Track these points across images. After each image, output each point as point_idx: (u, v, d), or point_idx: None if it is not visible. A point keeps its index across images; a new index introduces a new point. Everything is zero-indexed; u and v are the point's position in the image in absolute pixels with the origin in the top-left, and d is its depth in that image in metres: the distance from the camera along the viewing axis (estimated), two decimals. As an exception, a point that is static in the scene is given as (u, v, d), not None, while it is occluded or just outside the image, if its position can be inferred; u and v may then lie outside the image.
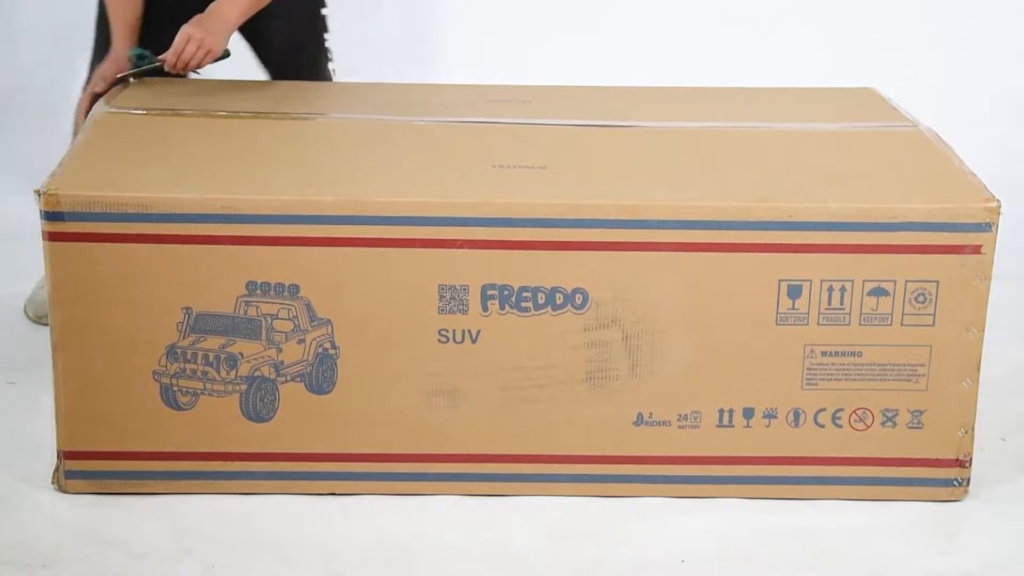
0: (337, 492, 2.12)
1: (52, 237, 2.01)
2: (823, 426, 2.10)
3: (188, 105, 2.34)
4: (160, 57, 2.45)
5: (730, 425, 2.10)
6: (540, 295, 2.04)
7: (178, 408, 2.08)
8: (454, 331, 2.05)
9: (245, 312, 2.05)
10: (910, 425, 2.11)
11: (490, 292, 2.04)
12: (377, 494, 2.12)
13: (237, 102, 2.37)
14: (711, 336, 2.06)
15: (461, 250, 2.02)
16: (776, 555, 2.01)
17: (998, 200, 2.03)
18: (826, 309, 2.05)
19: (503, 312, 2.05)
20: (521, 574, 1.96)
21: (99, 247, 2.01)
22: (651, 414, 2.10)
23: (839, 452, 2.11)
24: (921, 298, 2.05)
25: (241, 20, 2.49)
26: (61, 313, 2.04)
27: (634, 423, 2.10)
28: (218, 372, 2.06)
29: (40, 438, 2.21)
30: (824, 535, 2.06)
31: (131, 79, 2.46)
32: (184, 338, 2.05)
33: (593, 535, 2.05)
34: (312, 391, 2.08)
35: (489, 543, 2.03)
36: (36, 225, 2.02)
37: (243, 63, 3.33)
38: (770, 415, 2.10)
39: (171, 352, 2.05)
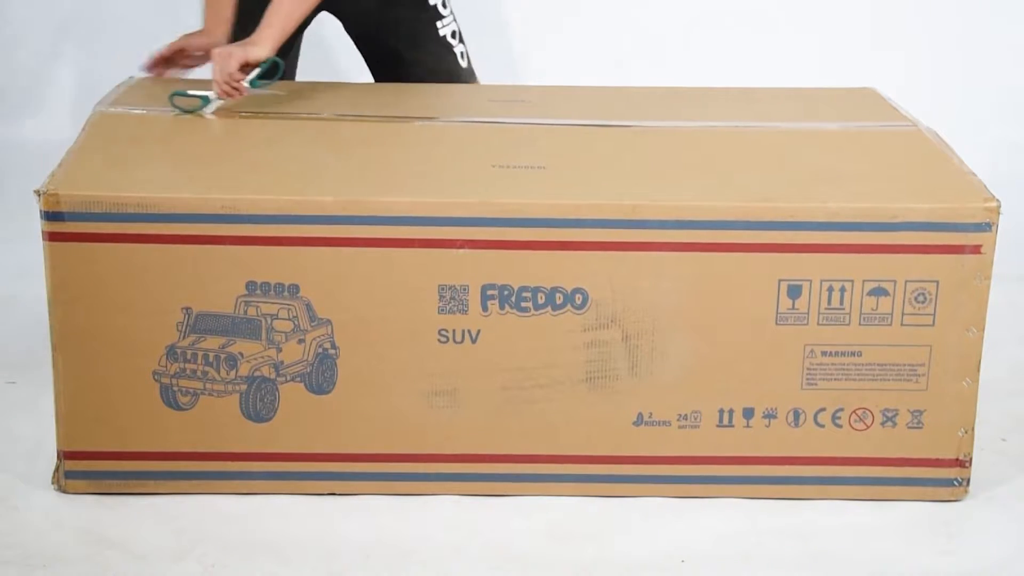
0: (337, 492, 2.12)
1: (52, 237, 2.01)
2: (823, 426, 2.10)
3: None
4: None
5: (730, 425, 2.10)
6: (540, 295, 2.04)
7: (178, 408, 2.08)
8: (454, 331, 2.05)
9: (245, 312, 2.05)
10: (910, 425, 2.11)
11: (490, 292, 2.04)
12: (377, 494, 2.12)
13: (237, 102, 2.36)
14: (711, 336, 2.06)
15: (461, 250, 2.02)
16: (776, 555, 2.01)
17: (998, 200, 2.03)
18: (826, 309, 2.05)
19: (503, 312, 2.05)
20: (521, 574, 1.96)
21: (99, 247, 2.01)
22: (651, 414, 2.10)
23: (839, 452, 2.11)
24: (921, 298, 2.05)
25: (286, 24, 2.36)
26: (61, 313, 2.04)
27: (634, 423, 2.10)
28: (218, 372, 2.06)
29: (40, 438, 2.21)
30: (824, 535, 2.06)
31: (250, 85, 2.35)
32: (184, 338, 2.05)
33: (593, 535, 2.05)
34: (312, 391, 2.08)
35: (489, 543, 2.03)
36: (36, 225, 2.02)
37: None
38: (770, 415, 2.10)
39: (171, 352, 2.05)
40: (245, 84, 2.30)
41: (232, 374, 2.06)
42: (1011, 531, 2.08)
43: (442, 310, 2.04)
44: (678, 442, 2.11)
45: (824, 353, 2.07)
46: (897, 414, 2.10)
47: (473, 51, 2.73)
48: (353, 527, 2.05)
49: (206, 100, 2.30)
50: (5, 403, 2.40)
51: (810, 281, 2.04)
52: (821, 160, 2.19)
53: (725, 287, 2.04)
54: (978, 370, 2.08)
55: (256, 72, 2.33)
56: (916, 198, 2.05)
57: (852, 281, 2.04)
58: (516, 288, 2.04)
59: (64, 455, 2.10)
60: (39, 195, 2.00)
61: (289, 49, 2.54)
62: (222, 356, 2.06)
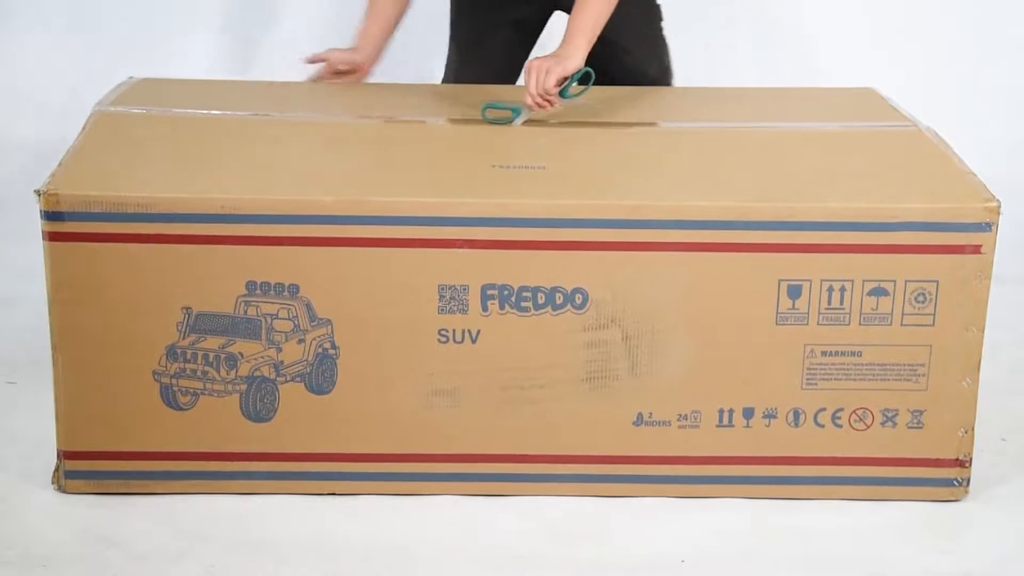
0: (337, 492, 2.12)
1: (52, 237, 2.01)
2: (823, 426, 2.10)
3: (188, 105, 2.34)
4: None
5: (730, 425, 2.10)
6: (540, 295, 2.04)
7: (178, 408, 2.08)
8: (454, 331, 2.05)
9: (245, 312, 2.05)
10: (910, 425, 2.11)
11: (490, 292, 2.04)
12: (377, 494, 2.12)
13: (238, 102, 2.37)
14: (711, 336, 2.06)
15: (461, 250, 2.02)
16: (776, 555, 2.01)
17: (998, 200, 2.03)
18: (826, 309, 2.05)
19: (503, 312, 2.05)
20: (521, 574, 1.96)
21: (99, 247, 2.01)
22: (651, 414, 2.10)
23: (839, 452, 2.11)
24: (921, 298, 2.05)
25: (594, 33, 2.35)
26: (61, 313, 2.04)
27: (634, 423, 2.10)
28: (218, 372, 2.06)
29: (40, 438, 2.21)
30: (824, 535, 2.06)
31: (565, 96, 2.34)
32: (184, 338, 2.05)
33: (593, 535, 2.05)
34: (312, 391, 2.08)
35: (489, 543, 2.03)
36: (36, 225, 2.02)
37: (240, 63, 3.34)
38: (770, 415, 2.10)
39: (171, 352, 2.05)
40: (558, 96, 2.32)
41: (232, 374, 2.07)
42: (1011, 531, 2.08)
43: (442, 310, 2.04)
44: (678, 442, 2.10)
45: (824, 353, 2.07)
46: (897, 414, 2.10)
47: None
48: (353, 527, 2.05)
49: (517, 111, 2.30)
50: (5, 403, 2.40)
51: (810, 281, 2.04)
52: (821, 160, 2.19)
53: (725, 287, 2.04)
54: (978, 370, 2.08)
55: (569, 83, 2.32)
56: (916, 198, 2.05)
57: (852, 281, 2.04)
58: (516, 288, 2.04)
59: (64, 455, 2.10)
60: (39, 195, 2.00)
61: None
62: (222, 356, 2.06)
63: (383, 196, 2.03)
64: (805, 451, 2.11)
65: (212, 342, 2.06)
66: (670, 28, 2.71)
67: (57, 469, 2.12)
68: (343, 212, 2.01)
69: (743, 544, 2.04)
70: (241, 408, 2.08)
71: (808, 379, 2.08)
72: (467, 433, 2.10)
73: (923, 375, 2.08)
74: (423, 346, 2.06)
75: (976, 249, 2.03)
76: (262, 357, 2.07)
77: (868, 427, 2.11)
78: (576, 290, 2.04)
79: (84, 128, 2.22)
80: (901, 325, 2.06)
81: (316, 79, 2.55)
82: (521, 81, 2.48)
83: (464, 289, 2.04)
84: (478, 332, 2.05)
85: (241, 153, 2.18)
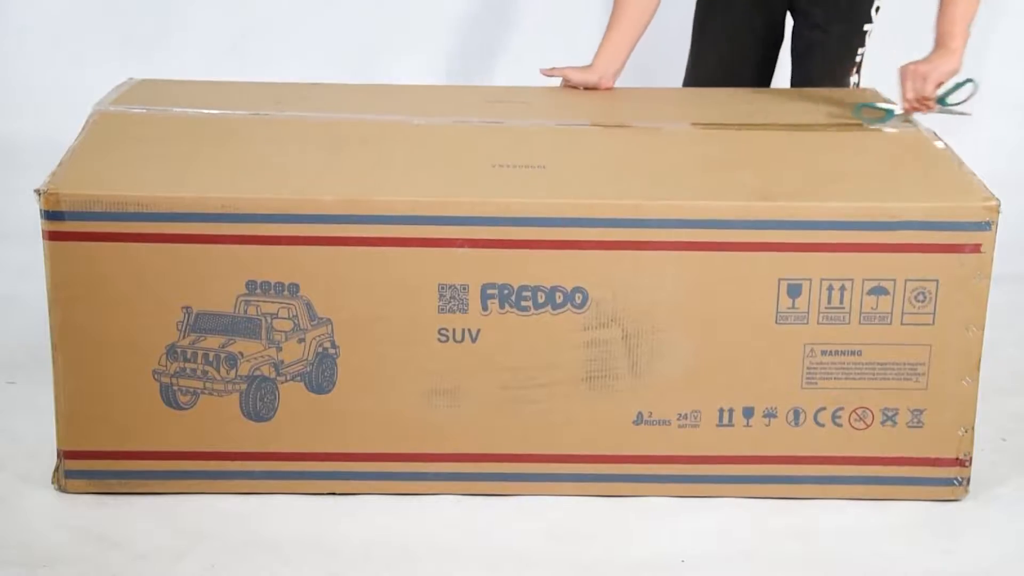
0: (337, 492, 2.12)
1: (52, 237, 2.01)
2: (823, 425, 2.10)
3: (188, 104, 2.34)
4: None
5: (730, 424, 2.10)
6: (540, 294, 2.04)
7: (178, 408, 2.08)
8: (454, 330, 2.05)
9: (245, 311, 2.05)
10: (910, 424, 2.11)
11: (490, 291, 2.04)
12: (377, 494, 2.12)
13: (237, 102, 2.37)
14: (711, 336, 2.06)
15: (461, 249, 2.02)
16: (776, 555, 2.01)
17: (997, 199, 2.03)
18: (826, 308, 2.05)
19: (503, 311, 2.05)
20: (521, 574, 1.96)
21: (99, 247, 2.01)
22: (651, 413, 2.10)
23: (839, 451, 2.11)
24: (921, 297, 2.05)
25: (965, 33, 2.31)
26: (61, 313, 2.04)
27: (634, 422, 2.10)
28: (218, 371, 2.06)
29: (40, 438, 2.21)
30: (824, 535, 2.06)
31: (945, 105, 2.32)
32: (184, 337, 2.05)
33: (593, 535, 2.05)
34: (312, 391, 2.08)
35: (489, 543, 2.03)
36: (37, 225, 2.02)
37: (240, 62, 3.33)
38: (770, 414, 2.10)
39: (171, 351, 2.05)
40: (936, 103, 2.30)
41: (232, 373, 2.07)
42: (1011, 531, 2.08)
43: (442, 309, 2.04)
44: (678, 442, 2.11)
45: (824, 352, 2.07)
46: (897, 413, 2.10)
47: (472, 50, 2.73)
48: (353, 527, 2.05)
49: (891, 113, 2.30)
50: (5, 403, 2.40)
51: (810, 280, 2.04)
52: (821, 160, 2.19)
53: (725, 287, 2.04)
54: (978, 369, 2.08)
55: (946, 89, 2.29)
56: (916, 197, 2.05)
57: (852, 280, 2.04)
58: (516, 287, 2.04)
59: (64, 455, 2.10)
60: (39, 194, 2.00)
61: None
62: (222, 355, 2.06)
63: (383, 196, 2.03)
64: (805, 451, 2.11)
65: (212, 341, 2.06)
66: (668, 27, 2.71)
67: (57, 469, 2.12)
68: (343, 211, 2.01)
69: (743, 543, 2.04)
70: (241, 408, 2.08)
71: (808, 378, 2.08)
72: (467, 433, 2.10)
73: (923, 374, 2.08)
74: (423, 345, 2.06)
75: (976, 248, 2.03)
76: (262, 356, 2.07)
77: (868, 426, 2.11)
78: (576, 289, 2.04)
79: (84, 128, 2.22)
80: (901, 324, 2.06)
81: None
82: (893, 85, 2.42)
83: (464, 288, 2.04)
84: (478, 331, 2.05)
85: (241, 153, 2.18)
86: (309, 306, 2.04)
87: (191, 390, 2.07)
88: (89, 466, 2.10)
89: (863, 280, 2.04)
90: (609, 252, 2.02)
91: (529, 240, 2.02)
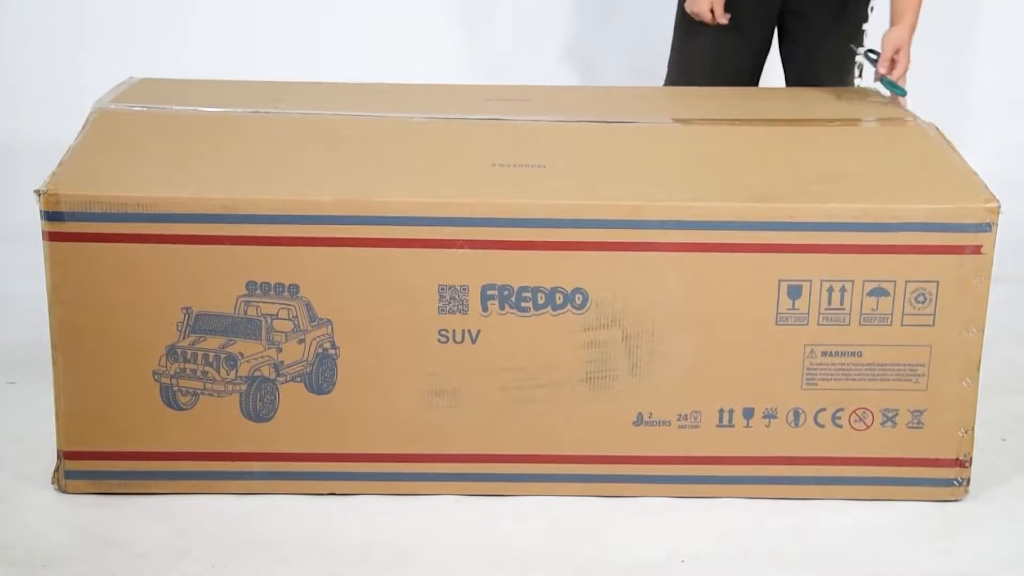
0: (337, 492, 2.12)
1: (52, 237, 2.01)
2: (823, 426, 2.11)
3: (188, 104, 2.33)
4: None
5: (730, 425, 2.10)
6: (540, 295, 2.04)
7: (178, 408, 2.08)
8: (454, 331, 2.05)
9: (245, 312, 2.05)
10: (910, 425, 2.11)
11: (490, 292, 2.04)
12: (377, 494, 2.12)
13: (237, 101, 2.36)
14: (711, 336, 2.06)
15: (461, 250, 2.02)
16: (776, 555, 2.01)
17: (998, 200, 2.03)
18: (826, 309, 2.05)
19: (503, 312, 2.05)
20: (520, 574, 1.96)
21: (99, 247, 2.01)
22: (651, 414, 2.10)
23: (839, 452, 2.12)
24: (921, 298, 2.05)
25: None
26: (61, 313, 2.04)
27: (634, 423, 2.10)
28: (218, 372, 2.06)
29: (40, 438, 2.21)
30: (824, 535, 2.06)
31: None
32: (184, 338, 2.05)
33: (593, 535, 2.05)
34: (312, 391, 2.08)
35: (489, 543, 2.03)
36: (37, 225, 2.02)
37: (240, 64, 3.33)
38: (770, 415, 2.10)
39: (171, 352, 2.06)
40: None
41: (232, 374, 2.07)
42: (1011, 531, 2.08)
43: (442, 310, 2.04)
44: (678, 442, 2.11)
45: (824, 353, 2.07)
46: (897, 414, 2.10)
47: (471, 50, 2.73)
48: (353, 527, 2.05)
49: (903, 92, 2.44)
50: (5, 403, 2.40)
51: (810, 281, 2.04)
52: (821, 160, 2.19)
53: (725, 287, 2.04)
54: (978, 370, 2.08)
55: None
56: (916, 198, 2.05)
57: (852, 281, 2.04)
58: (516, 288, 2.04)
59: (64, 455, 2.10)
60: (39, 195, 2.00)
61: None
62: (222, 356, 2.06)
63: (383, 196, 2.03)
64: (805, 451, 2.12)
65: (212, 342, 2.06)
66: (668, 27, 2.71)
67: (57, 469, 2.12)
68: (343, 212, 2.01)
69: (743, 544, 2.04)
70: (241, 408, 2.08)
71: (808, 379, 2.08)
72: (467, 433, 2.10)
73: (923, 375, 2.08)
74: (423, 346, 2.06)
75: (976, 249, 2.03)
76: (262, 357, 2.07)
77: (868, 427, 2.11)
78: (576, 290, 2.04)
79: (84, 127, 2.22)
80: (901, 325, 2.06)
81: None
82: None
83: (464, 289, 2.04)
84: (478, 332, 2.05)
85: (241, 153, 2.18)
86: (309, 307, 2.04)
87: (191, 391, 2.07)
88: (89, 466, 2.10)
89: (863, 281, 2.04)
90: (609, 253, 2.02)
91: (529, 241, 2.02)
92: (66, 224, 2.00)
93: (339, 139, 2.24)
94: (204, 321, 2.05)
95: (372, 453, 2.11)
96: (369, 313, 2.04)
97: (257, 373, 2.07)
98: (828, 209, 2.02)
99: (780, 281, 2.04)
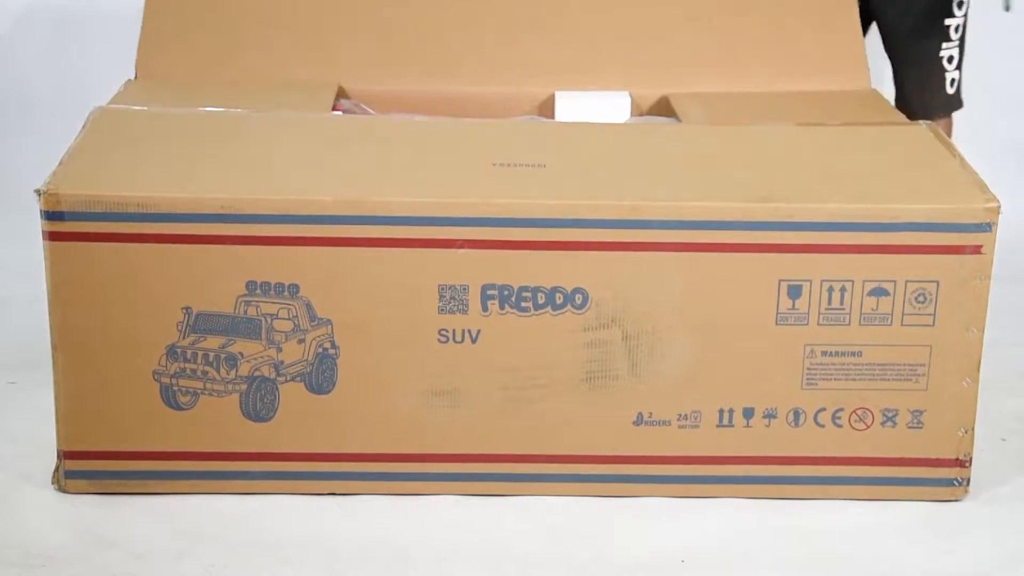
0: (337, 492, 2.12)
1: (52, 237, 2.01)
2: (823, 426, 2.11)
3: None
4: None
5: (730, 425, 2.10)
6: (540, 295, 2.04)
7: (178, 408, 2.08)
8: (454, 331, 2.05)
9: (245, 312, 2.05)
10: (910, 425, 2.11)
11: (490, 292, 2.04)
12: (377, 494, 2.12)
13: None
14: (711, 336, 2.06)
15: (461, 250, 2.02)
16: (776, 555, 2.01)
17: (998, 200, 2.03)
18: (826, 309, 2.05)
19: (503, 312, 2.05)
20: (520, 574, 1.96)
21: (99, 247, 2.01)
22: (651, 414, 2.10)
23: (839, 452, 2.12)
24: (921, 298, 2.05)
25: None
26: (61, 313, 2.04)
27: (634, 423, 2.10)
28: (218, 372, 2.06)
29: (40, 438, 2.21)
30: (824, 535, 2.06)
31: None
32: (184, 338, 2.05)
33: (593, 535, 2.05)
34: (312, 391, 2.08)
35: (489, 543, 2.03)
36: (36, 225, 2.02)
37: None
38: (770, 415, 2.10)
39: (171, 352, 2.06)
40: None
41: (232, 374, 2.07)
42: (1011, 531, 2.08)
43: (442, 310, 2.04)
44: (678, 442, 2.11)
45: (824, 353, 2.07)
46: (897, 414, 2.10)
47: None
48: (353, 527, 2.05)
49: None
50: (5, 403, 2.40)
51: (810, 281, 2.04)
52: (821, 160, 2.19)
53: (725, 287, 2.04)
54: (978, 370, 2.08)
55: None
56: (916, 198, 2.05)
57: (852, 281, 2.04)
58: (516, 288, 2.04)
59: (64, 455, 2.10)
60: (39, 194, 2.00)
61: None
62: (222, 356, 2.06)
63: (382, 196, 2.03)
64: (805, 451, 2.12)
65: (212, 342, 2.06)
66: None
67: (57, 469, 2.12)
68: (343, 212, 2.01)
69: (743, 544, 2.04)
70: (241, 408, 2.08)
71: (808, 379, 2.08)
72: (467, 433, 2.10)
73: (923, 375, 2.08)
74: (423, 346, 2.06)
75: (976, 249, 2.03)
76: (262, 357, 2.07)
77: (868, 427, 2.11)
78: (576, 290, 2.04)
79: (84, 127, 2.22)
80: (901, 325, 2.06)
81: None
82: None
83: (464, 289, 2.04)
84: (478, 332, 2.05)
85: (241, 152, 2.18)
86: (309, 307, 2.04)
87: (191, 390, 2.07)
88: (89, 466, 2.10)
89: (863, 281, 2.04)
90: (610, 253, 2.02)
91: (529, 241, 2.02)
92: (66, 224, 2.00)
93: (339, 139, 2.24)
94: (204, 321, 2.05)
95: (372, 453, 2.11)
96: (369, 313, 2.04)
97: (257, 373, 2.07)
98: (828, 209, 2.02)
99: (780, 281, 2.04)
